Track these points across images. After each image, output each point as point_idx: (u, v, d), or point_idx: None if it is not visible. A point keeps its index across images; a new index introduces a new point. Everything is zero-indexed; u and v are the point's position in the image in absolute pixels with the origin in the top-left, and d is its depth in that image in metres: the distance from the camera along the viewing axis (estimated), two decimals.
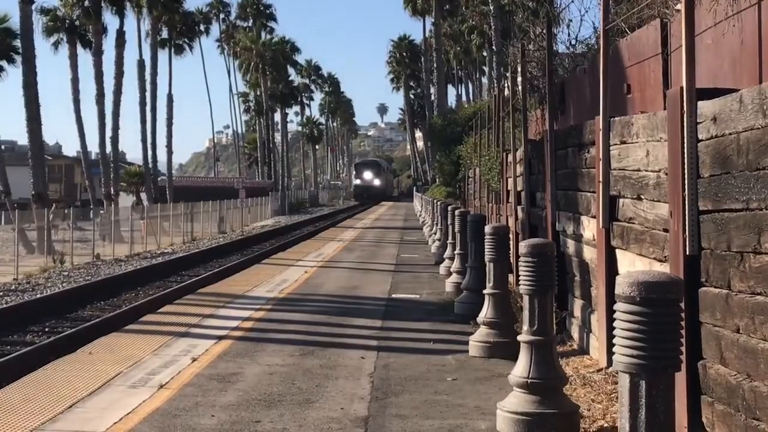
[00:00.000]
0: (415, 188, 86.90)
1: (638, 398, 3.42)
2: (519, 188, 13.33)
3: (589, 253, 8.59)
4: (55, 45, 49.71)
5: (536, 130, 13.66)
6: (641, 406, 3.45)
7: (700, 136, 5.32)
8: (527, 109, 13.37)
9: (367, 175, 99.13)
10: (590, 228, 8.53)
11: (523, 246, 6.34)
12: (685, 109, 5.35)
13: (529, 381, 5.88)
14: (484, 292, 8.91)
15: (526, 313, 6.13)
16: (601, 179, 7.45)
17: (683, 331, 3.56)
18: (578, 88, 11.26)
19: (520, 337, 6.16)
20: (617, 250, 7.48)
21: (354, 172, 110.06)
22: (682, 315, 3.50)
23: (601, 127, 7.43)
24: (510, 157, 14.99)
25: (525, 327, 6.11)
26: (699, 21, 6.11)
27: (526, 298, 6.17)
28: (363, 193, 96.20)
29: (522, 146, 12.84)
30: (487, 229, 9.02)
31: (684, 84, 5.36)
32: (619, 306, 3.47)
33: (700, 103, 5.32)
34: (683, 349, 3.55)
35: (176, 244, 37.71)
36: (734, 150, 4.85)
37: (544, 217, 10.83)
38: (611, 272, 7.40)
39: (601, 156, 7.41)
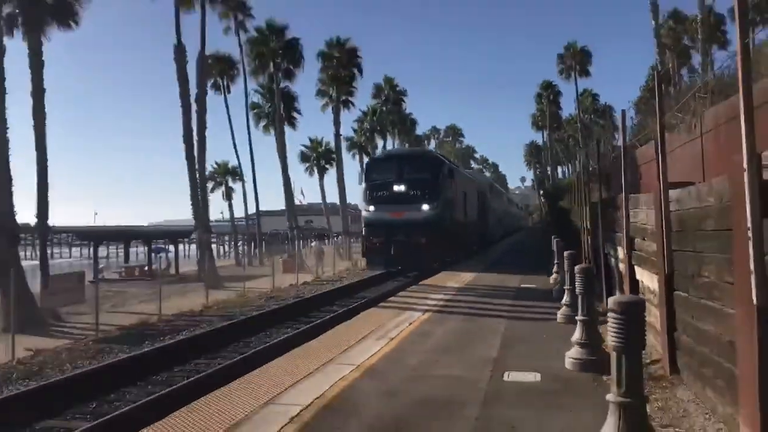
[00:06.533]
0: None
1: (620, 369, 5.50)
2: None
3: (621, 267, 13.44)
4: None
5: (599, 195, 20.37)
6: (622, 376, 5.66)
7: (671, 209, 9.48)
8: (589, 186, 20.87)
9: (391, 177, 36.36)
10: (621, 253, 13.33)
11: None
12: (662, 194, 9.57)
13: None
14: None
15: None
16: (624, 228, 11.93)
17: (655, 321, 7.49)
18: (616, 175, 16.84)
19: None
20: (635, 267, 12.11)
21: (366, 188, 36.71)
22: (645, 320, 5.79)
23: (623, 199, 12.10)
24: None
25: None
26: (677, 138, 10.60)
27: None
28: (388, 237, 35.33)
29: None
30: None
31: (661, 182, 9.55)
32: (609, 315, 5.80)
33: (671, 191, 9.50)
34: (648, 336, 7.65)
35: None
36: (686, 218, 8.95)
37: (600, 246, 16.23)
38: (632, 278, 12.19)
39: (624, 215, 12.01)
